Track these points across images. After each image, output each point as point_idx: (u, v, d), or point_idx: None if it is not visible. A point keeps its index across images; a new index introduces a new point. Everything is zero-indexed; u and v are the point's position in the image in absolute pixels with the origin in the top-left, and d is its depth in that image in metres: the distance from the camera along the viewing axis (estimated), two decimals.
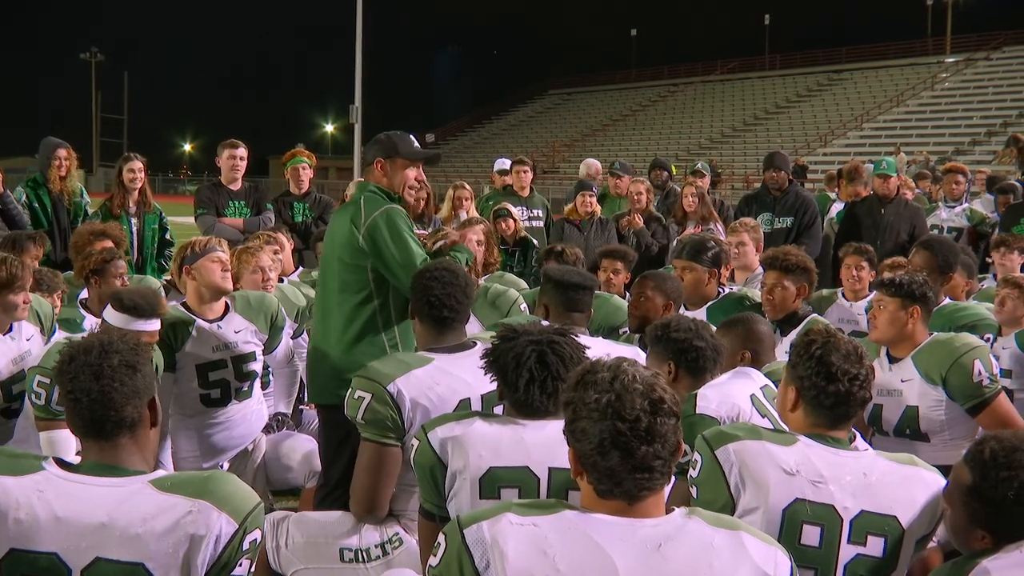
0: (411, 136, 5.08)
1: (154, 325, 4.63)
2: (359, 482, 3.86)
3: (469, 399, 3.85)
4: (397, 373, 3.80)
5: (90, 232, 6.61)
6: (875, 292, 4.76)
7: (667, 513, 2.35)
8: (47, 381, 4.50)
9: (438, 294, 4.05)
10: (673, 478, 3.65)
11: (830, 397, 3.05)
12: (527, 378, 3.23)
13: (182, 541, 2.46)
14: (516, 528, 2.29)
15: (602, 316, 5.70)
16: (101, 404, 2.57)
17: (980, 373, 4.44)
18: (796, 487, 2.92)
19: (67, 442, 4.56)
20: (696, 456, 3.05)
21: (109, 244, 6.29)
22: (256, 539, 2.59)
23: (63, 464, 2.59)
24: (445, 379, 3.85)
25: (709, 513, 2.41)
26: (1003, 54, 51.60)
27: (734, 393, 3.83)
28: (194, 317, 5.04)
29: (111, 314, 4.60)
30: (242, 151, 8.64)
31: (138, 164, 8.52)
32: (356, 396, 3.79)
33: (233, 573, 2.56)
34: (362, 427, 3.80)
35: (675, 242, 8.59)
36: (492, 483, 3.13)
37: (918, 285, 4.63)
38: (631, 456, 2.27)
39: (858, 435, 3.14)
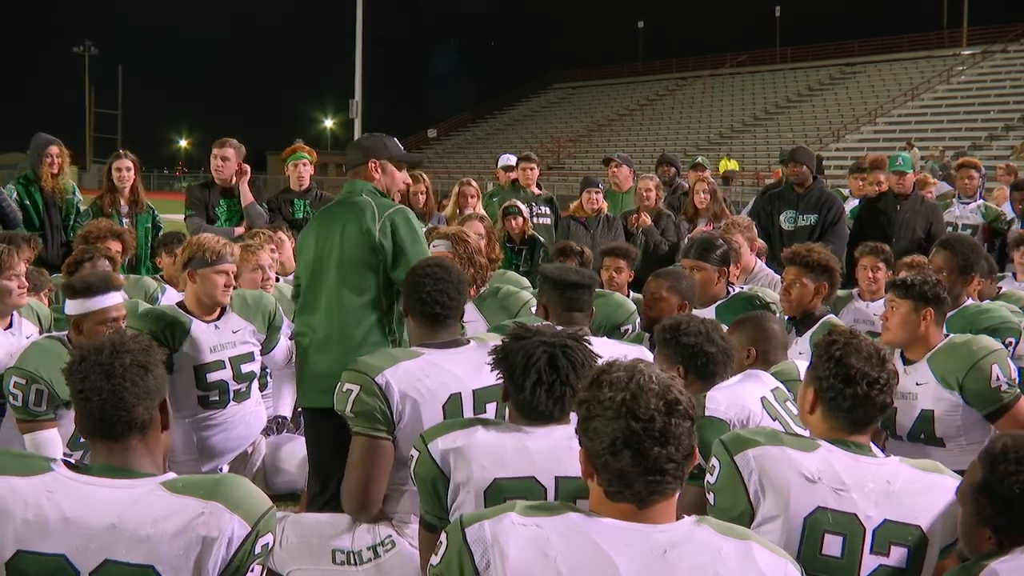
0: (393, 137, 5.25)
1: (114, 299, 4.66)
2: (351, 477, 3.89)
3: (460, 393, 3.90)
4: (385, 365, 3.85)
5: (109, 229, 6.66)
6: (888, 292, 4.74)
7: (678, 519, 2.34)
8: (23, 382, 4.53)
9: (430, 291, 4.09)
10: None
11: (847, 400, 3.04)
12: (535, 379, 3.22)
13: (193, 543, 2.48)
14: (518, 528, 2.30)
15: (603, 315, 5.72)
16: (112, 404, 2.59)
17: (998, 378, 4.42)
18: (818, 495, 2.91)
19: (52, 443, 4.58)
20: (714, 462, 3.03)
21: (117, 246, 6.36)
22: (268, 543, 2.61)
23: (72, 465, 2.61)
24: (435, 372, 3.89)
25: (719, 522, 2.40)
26: (1021, 46, 51.43)
27: (744, 395, 3.82)
28: (191, 318, 5.04)
29: (70, 305, 4.64)
30: (228, 151, 8.50)
31: (127, 163, 8.49)
32: (345, 389, 3.85)
33: None
34: (352, 420, 3.84)
35: (685, 240, 8.58)
36: (497, 495, 3.13)
37: (931, 286, 4.60)
38: (644, 457, 2.27)
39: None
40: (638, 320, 5.76)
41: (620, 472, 2.28)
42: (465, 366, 3.92)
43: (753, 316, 4.61)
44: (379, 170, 5.07)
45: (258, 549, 2.57)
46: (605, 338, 4.95)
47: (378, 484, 3.90)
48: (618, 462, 2.28)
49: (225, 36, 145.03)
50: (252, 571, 2.58)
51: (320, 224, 5.09)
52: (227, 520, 2.52)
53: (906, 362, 4.67)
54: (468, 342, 4.09)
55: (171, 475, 2.63)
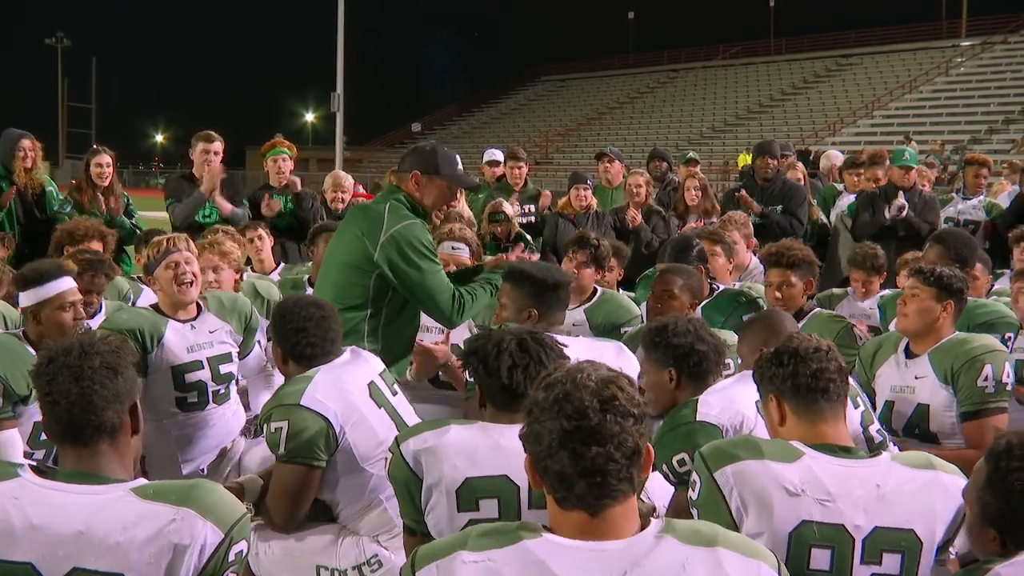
0: (455, 156, 5.22)
1: (67, 283, 4.66)
2: (282, 505, 3.98)
3: (373, 381, 4.10)
4: (303, 387, 3.93)
5: (96, 229, 6.63)
6: (910, 279, 4.75)
7: (643, 528, 2.31)
8: None
9: (301, 334, 4.15)
10: (673, 488, 3.68)
11: (804, 377, 3.05)
12: (509, 364, 3.27)
13: (165, 550, 2.47)
14: (470, 567, 2.28)
15: (604, 314, 5.81)
16: (81, 407, 2.58)
17: (987, 378, 4.44)
18: (802, 508, 2.87)
19: (12, 443, 4.55)
20: (695, 477, 3.00)
21: (99, 246, 6.35)
22: (242, 551, 2.60)
23: (39, 471, 2.60)
24: (341, 374, 4.04)
25: (686, 527, 2.35)
26: (1021, 37, 51.59)
27: (738, 399, 3.80)
28: (166, 318, 5.04)
29: (23, 298, 4.63)
30: (217, 146, 8.56)
31: (106, 158, 8.53)
32: (274, 428, 3.89)
33: None
34: (288, 456, 3.89)
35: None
36: (470, 494, 3.15)
37: (957, 279, 4.64)
38: (580, 458, 2.24)
39: (891, 444, 3.10)
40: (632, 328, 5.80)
41: (559, 475, 2.26)
42: (358, 367, 4.16)
43: (765, 314, 4.61)
44: (416, 183, 5.10)
45: (232, 556, 2.57)
46: (580, 337, 4.97)
47: (307, 506, 4.00)
48: (556, 464, 2.26)
49: (202, 26, 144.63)
50: None
51: (344, 220, 5.32)
52: (199, 527, 2.51)
53: (909, 355, 4.71)
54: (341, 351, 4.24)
55: (141, 481, 2.62)
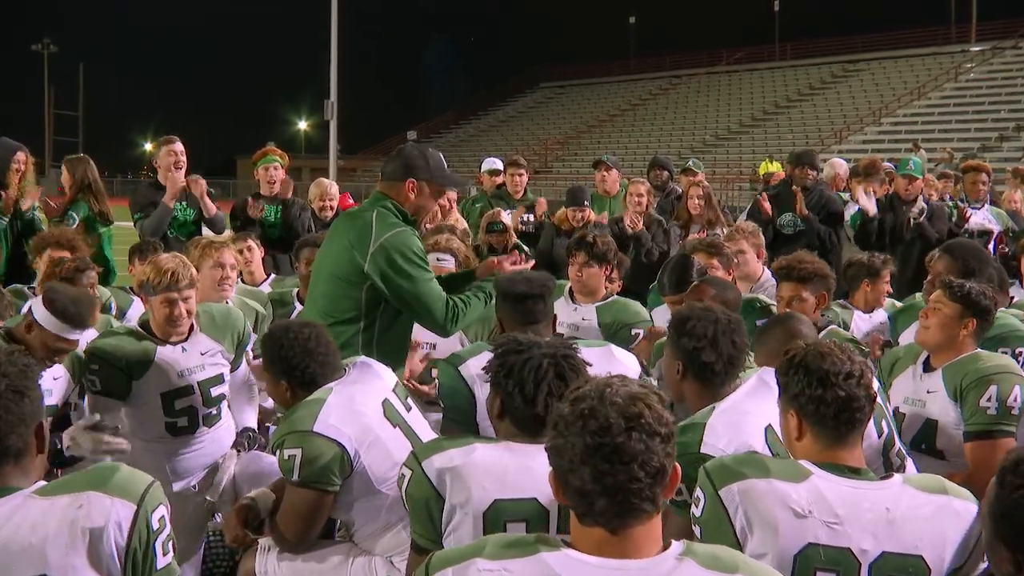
0: (441, 156, 5.24)
1: (78, 335, 4.65)
2: (294, 527, 3.96)
3: (386, 398, 4.07)
4: (316, 411, 3.88)
5: (60, 241, 6.61)
6: (936, 291, 4.73)
7: (665, 548, 2.31)
8: None
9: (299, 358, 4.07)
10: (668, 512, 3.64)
11: (831, 405, 2.99)
12: (547, 392, 3.24)
13: (79, 538, 2.48)
14: (485, 575, 2.29)
15: (613, 312, 5.93)
16: None
17: (991, 398, 4.38)
18: (808, 530, 2.84)
19: None
20: (699, 493, 2.98)
21: (66, 255, 6.33)
22: (164, 515, 2.62)
23: None
24: (355, 393, 4.00)
25: (707, 552, 2.35)
26: None
27: (747, 428, 3.65)
28: (155, 344, 4.96)
29: (43, 313, 4.59)
30: (180, 146, 8.57)
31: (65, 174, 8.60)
32: (287, 456, 3.84)
33: (158, 561, 2.58)
34: (302, 481, 3.85)
35: (676, 246, 8.57)
36: (497, 517, 3.12)
37: (987, 298, 4.61)
38: (603, 476, 2.25)
39: (909, 461, 3.05)
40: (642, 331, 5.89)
41: (580, 491, 2.27)
42: (370, 382, 4.11)
43: (782, 318, 4.57)
44: (415, 191, 5.08)
45: (155, 524, 2.58)
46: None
47: (320, 526, 4.00)
48: (577, 480, 2.27)
49: (193, 33, 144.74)
50: (166, 553, 2.60)
51: (331, 231, 5.30)
52: (108, 505, 2.52)
53: (927, 368, 4.68)
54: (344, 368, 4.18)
55: (42, 483, 2.60)
